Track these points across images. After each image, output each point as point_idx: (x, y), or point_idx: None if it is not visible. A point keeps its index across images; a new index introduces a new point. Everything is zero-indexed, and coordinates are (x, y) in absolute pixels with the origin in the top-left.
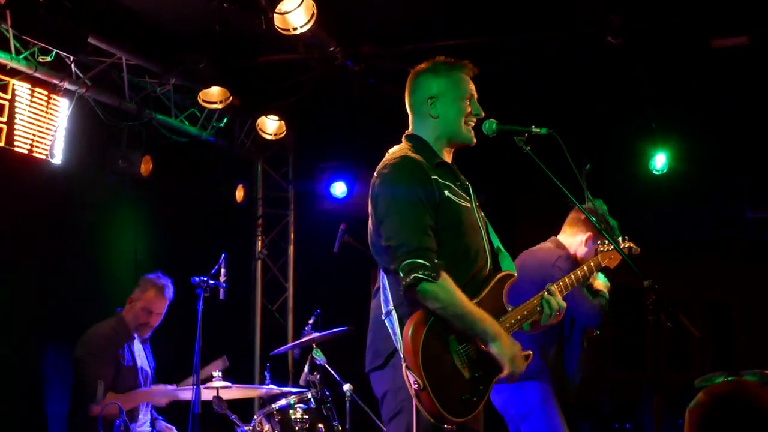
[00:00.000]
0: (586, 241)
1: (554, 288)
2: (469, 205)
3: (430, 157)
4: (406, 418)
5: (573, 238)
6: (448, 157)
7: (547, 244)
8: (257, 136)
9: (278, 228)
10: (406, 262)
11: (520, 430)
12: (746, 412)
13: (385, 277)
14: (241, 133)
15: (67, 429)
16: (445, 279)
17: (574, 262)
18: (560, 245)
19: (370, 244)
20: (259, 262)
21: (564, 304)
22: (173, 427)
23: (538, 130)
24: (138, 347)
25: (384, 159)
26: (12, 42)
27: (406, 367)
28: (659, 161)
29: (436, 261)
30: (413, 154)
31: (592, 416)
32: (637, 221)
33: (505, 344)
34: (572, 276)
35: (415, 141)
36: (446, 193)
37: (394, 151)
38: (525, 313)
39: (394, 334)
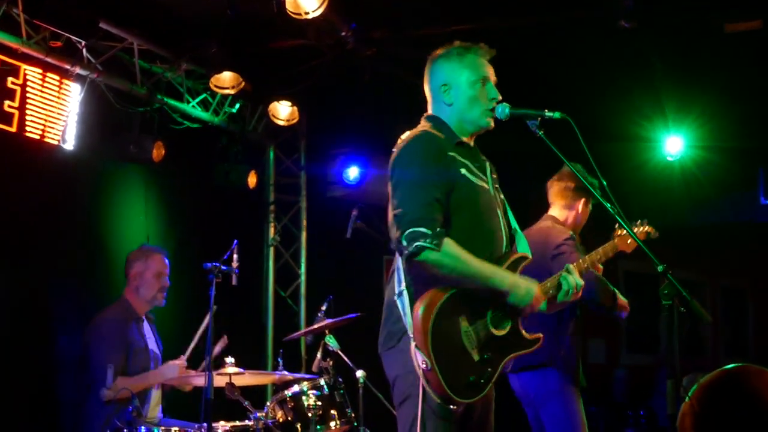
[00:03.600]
0: (582, 207)
1: (573, 267)
2: (486, 186)
3: (451, 136)
4: (415, 403)
5: (568, 210)
6: (469, 139)
7: (544, 224)
8: (269, 121)
9: (290, 214)
10: (409, 230)
11: (539, 416)
12: (746, 399)
13: (399, 258)
14: (253, 118)
15: (80, 415)
16: (448, 244)
17: (574, 242)
18: (557, 222)
19: (388, 221)
20: (272, 248)
21: (582, 282)
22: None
23: (552, 114)
24: (147, 328)
25: (405, 135)
26: (23, 26)
27: (416, 346)
28: (674, 147)
29: (438, 229)
30: (434, 131)
31: (607, 402)
32: (651, 206)
33: (521, 288)
34: (588, 258)
35: (435, 121)
36: (462, 170)
37: (416, 129)
38: (547, 286)
39: (405, 314)
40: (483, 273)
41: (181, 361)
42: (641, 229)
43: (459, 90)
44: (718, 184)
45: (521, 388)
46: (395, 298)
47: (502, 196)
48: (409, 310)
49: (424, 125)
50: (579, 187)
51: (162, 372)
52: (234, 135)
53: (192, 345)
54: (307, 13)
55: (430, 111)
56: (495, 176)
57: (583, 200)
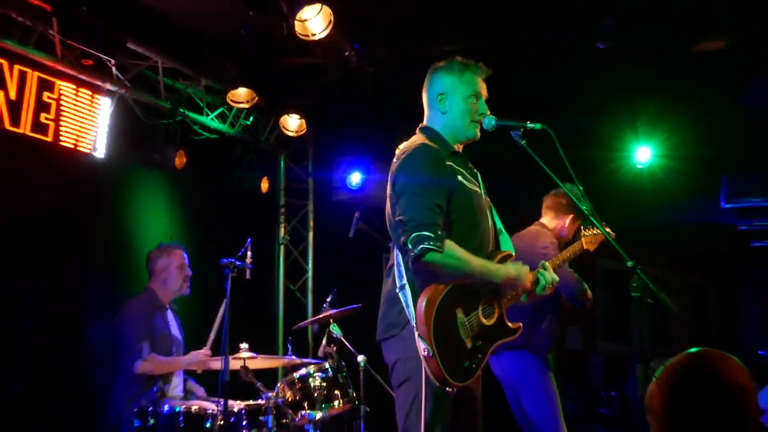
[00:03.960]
0: (570, 222)
1: (548, 264)
2: (478, 190)
3: (445, 146)
4: (415, 384)
5: (557, 221)
6: (459, 147)
7: (534, 228)
8: (280, 132)
9: (299, 216)
10: (415, 234)
11: (518, 396)
12: (708, 380)
13: (399, 255)
14: (266, 129)
15: (109, 395)
16: (450, 246)
17: (557, 245)
18: (545, 228)
19: (387, 222)
20: (282, 247)
21: (556, 278)
22: (202, 387)
23: (533, 125)
24: (170, 317)
25: (404, 146)
26: (58, 46)
27: (419, 335)
28: (643, 156)
29: (440, 233)
30: (430, 143)
31: (583, 385)
32: (623, 209)
33: (511, 273)
34: (560, 256)
35: (430, 132)
36: (459, 178)
37: (413, 140)
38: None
39: (407, 306)
40: (481, 270)
41: (206, 350)
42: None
43: (454, 101)
44: (683, 189)
45: (502, 370)
46: (397, 291)
47: (488, 200)
48: (412, 303)
49: (420, 137)
50: (570, 204)
51: (188, 359)
52: (248, 145)
53: (212, 336)
54: (314, 35)
55: (424, 121)
56: (483, 182)
57: (571, 216)
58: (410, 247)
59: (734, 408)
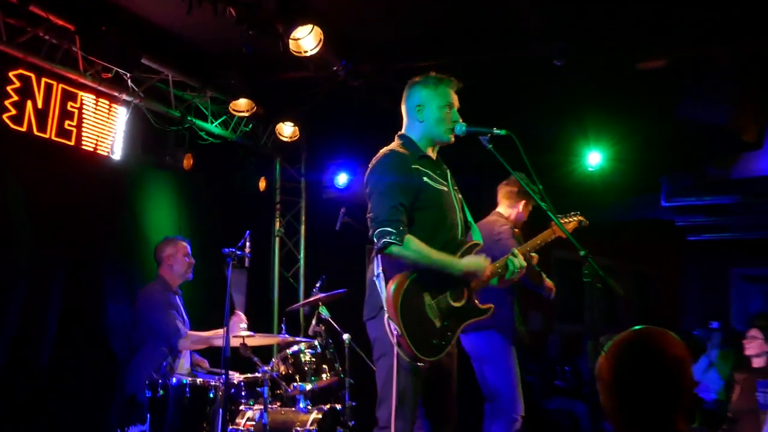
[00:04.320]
0: (522, 207)
1: (517, 251)
2: (446, 189)
3: (415, 152)
4: (390, 359)
5: (512, 209)
6: (432, 152)
7: (491, 217)
8: (276, 138)
9: (292, 211)
10: (379, 230)
11: (483, 369)
12: (650, 353)
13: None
14: (264, 135)
15: (127, 369)
16: (410, 240)
17: (512, 229)
18: (501, 216)
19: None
20: (277, 239)
21: (525, 263)
22: (205, 359)
23: (499, 131)
24: (179, 300)
25: (377, 154)
26: (81, 61)
27: (388, 317)
28: (594, 160)
29: (401, 228)
30: (400, 149)
31: (541, 359)
32: (577, 206)
33: (470, 266)
34: (530, 244)
35: (404, 139)
36: (425, 179)
37: (386, 148)
38: (496, 266)
39: (381, 291)
40: (439, 262)
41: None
42: (573, 219)
43: (430, 111)
44: (628, 189)
45: (471, 346)
46: (374, 278)
47: (459, 196)
48: (384, 289)
49: (395, 143)
50: (521, 191)
51: (214, 338)
52: (248, 149)
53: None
54: (306, 52)
55: (402, 129)
56: (453, 180)
57: (523, 202)
58: (375, 240)
59: (672, 378)
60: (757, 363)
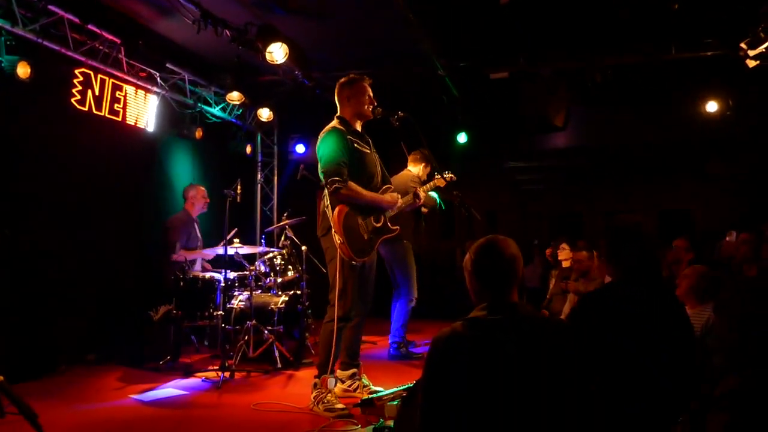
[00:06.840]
0: (423, 168)
1: (420, 191)
2: (368, 151)
3: (347, 127)
4: (336, 260)
5: (417, 167)
6: (358, 126)
7: (405, 172)
8: (257, 119)
9: (269, 168)
10: (330, 179)
11: (393, 269)
12: (497, 250)
13: (327, 190)
14: (249, 117)
15: (159, 269)
16: (351, 185)
17: (419, 179)
18: (411, 172)
19: (319, 173)
20: (259, 185)
21: (423, 196)
22: (209, 264)
23: (402, 114)
24: (196, 226)
25: (324, 129)
26: (124, 64)
27: (334, 232)
28: (462, 139)
29: (345, 177)
30: (339, 126)
31: (426, 265)
32: (447, 168)
33: (390, 201)
34: (426, 186)
35: (340, 119)
36: (355, 145)
37: (329, 125)
38: (405, 200)
39: (330, 217)
40: (372, 199)
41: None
42: (449, 175)
43: (355, 98)
44: (482, 156)
45: (386, 252)
46: (325, 209)
47: (377, 156)
48: (331, 215)
49: (335, 122)
50: (424, 157)
51: (203, 252)
52: (239, 126)
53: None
54: (277, 62)
55: (339, 112)
56: (373, 146)
57: (424, 164)
58: (328, 186)
59: (509, 266)
60: (565, 264)
